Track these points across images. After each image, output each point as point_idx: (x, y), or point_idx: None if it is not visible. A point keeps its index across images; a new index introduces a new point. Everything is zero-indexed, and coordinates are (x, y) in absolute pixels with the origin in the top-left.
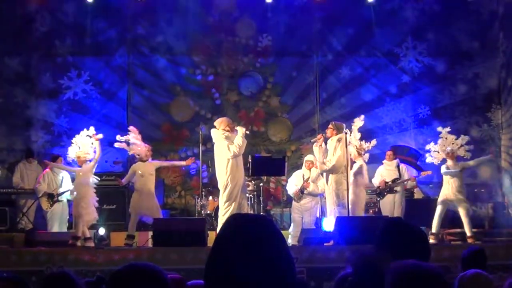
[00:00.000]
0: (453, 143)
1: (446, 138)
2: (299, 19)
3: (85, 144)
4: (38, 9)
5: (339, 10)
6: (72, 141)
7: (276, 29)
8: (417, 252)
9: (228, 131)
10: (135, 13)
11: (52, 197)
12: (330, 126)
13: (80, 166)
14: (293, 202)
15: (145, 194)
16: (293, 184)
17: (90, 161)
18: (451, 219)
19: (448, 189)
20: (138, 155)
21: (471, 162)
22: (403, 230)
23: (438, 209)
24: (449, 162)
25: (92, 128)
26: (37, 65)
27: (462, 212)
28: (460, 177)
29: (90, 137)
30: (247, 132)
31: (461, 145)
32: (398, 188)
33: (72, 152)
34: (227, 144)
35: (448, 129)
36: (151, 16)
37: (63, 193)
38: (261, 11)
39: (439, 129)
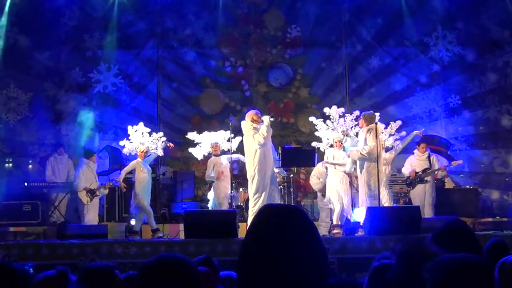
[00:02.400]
0: None
1: None
2: (327, 9)
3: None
4: (67, 3)
5: (368, 0)
6: (131, 138)
7: (305, 20)
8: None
9: (255, 122)
10: (163, 6)
11: (92, 193)
12: (361, 116)
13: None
14: (319, 195)
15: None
16: (315, 177)
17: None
18: (482, 208)
19: None
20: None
21: None
22: (463, 232)
23: None
24: None
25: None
26: (67, 59)
27: None
28: None
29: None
30: (272, 119)
31: None
32: (428, 178)
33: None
34: (252, 134)
35: None
36: (180, 9)
37: (100, 187)
38: (290, 2)
39: None
